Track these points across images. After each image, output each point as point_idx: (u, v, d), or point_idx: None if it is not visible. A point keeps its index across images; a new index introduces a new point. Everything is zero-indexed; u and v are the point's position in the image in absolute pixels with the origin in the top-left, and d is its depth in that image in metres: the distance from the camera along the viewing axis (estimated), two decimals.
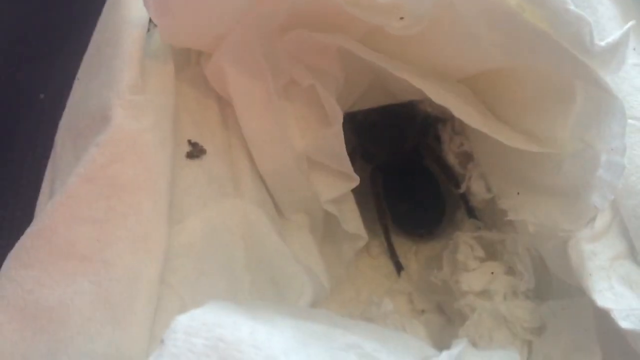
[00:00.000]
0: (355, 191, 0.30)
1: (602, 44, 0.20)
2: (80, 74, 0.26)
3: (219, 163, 0.25)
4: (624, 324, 0.20)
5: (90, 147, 0.21)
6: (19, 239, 0.22)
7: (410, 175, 0.33)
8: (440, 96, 0.24)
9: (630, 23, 0.20)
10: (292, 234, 0.27)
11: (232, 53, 0.24)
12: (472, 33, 0.22)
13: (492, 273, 0.27)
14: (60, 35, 0.41)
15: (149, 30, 0.25)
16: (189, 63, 0.26)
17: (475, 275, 0.27)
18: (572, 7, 0.20)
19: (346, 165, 0.26)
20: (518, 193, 0.26)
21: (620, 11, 0.29)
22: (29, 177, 0.35)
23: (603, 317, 0.21)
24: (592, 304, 0.22)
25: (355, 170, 0.28)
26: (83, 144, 0.22)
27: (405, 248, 0.33)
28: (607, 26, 0.28)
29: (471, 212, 0.31)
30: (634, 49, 0.27)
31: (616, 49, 0.20)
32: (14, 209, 0.33)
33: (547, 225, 0.24)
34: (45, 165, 0.30)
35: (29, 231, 0.21)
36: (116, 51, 0.23)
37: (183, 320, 0.15)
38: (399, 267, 0.32)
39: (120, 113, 0.21)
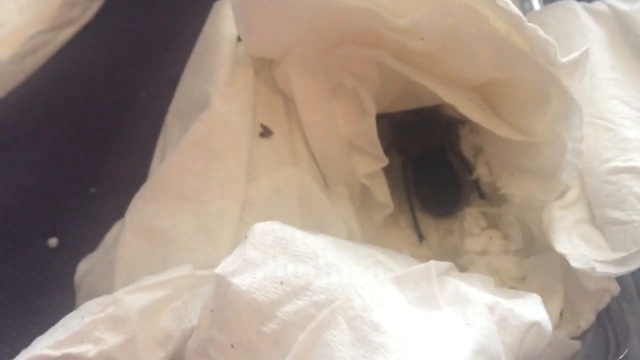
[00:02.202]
0: (390, 177, 0.38)
1: (564, 60, 0.27)
2: (186, 71, 0.35)
3: (282, 142, 0.33)
4: (575, 264, 0.27)
5: (195, 122, 0.30)
6: (129, 195, 0.31)
7: (435, 165, 0.41)
8: (451, 98, 0.32)
9: (586, 47, 0.27)
10: (335, 201, 0.35)
11: (295, 62, 0.32)
12: (473, 51, 0.30)
13: (491, 238, 0.34)
14: (158, 45, 0.51)
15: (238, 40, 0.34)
16: (264, 68, 0.35)
17: (477, 239, 0.34)
18: (541, 33, 0.27)
19: (377, 148, 0.34)
20: (512, 174, 0.33)
21: (606, 35, 0.36)
22: (133, 157, 0.44)
23: (566, 266, 0.28)
24: (558, 257, 0.29)
25: (391, 160, 0.36)
26: (188, 121, 0.31)
27: (427, 223, 0.40)
28: (593, 49, 0.35)
29: (482, 195, 0.38)
30: (612, 67, 0.34)
31: (577, 64, 0.27)
32: (123, 175, 0.42)
33: (528, 197, 0.31)
34: (145, 146, 0.39)
35: (151, 179, 0.30)
36: (215, 56, 0.32)
37: (260, 225, 0.23)
38: (421, 237, 0.39)
39: (217, 99, 0.30)
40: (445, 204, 0.40)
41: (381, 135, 0.36)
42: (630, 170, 0.29)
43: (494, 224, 0.35)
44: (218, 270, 0.22)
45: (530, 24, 0.27)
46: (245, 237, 0.23)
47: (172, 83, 0.45)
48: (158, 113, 0.42)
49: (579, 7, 0.38)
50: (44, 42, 0.47)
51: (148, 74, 0.49)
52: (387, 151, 0.41)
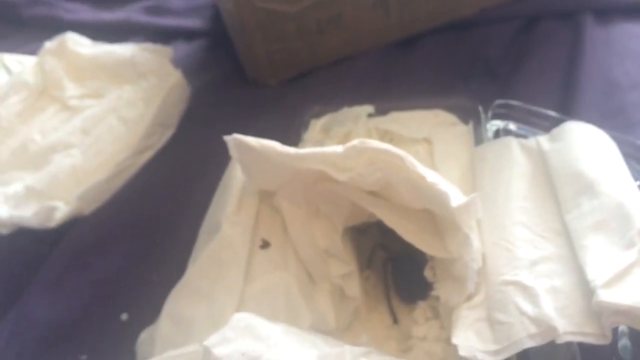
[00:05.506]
0: (375, 271, 0.50)
1: (455, 205, 0.38)
2: (213, 200, 0.50)
3: (277, 252, 0.46)
4: (462, 352, 0.37)
5: (210, 241, 0.44)
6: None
7: (408, 264, 0.52)
8: (392, 224, 0.43)
9: (474, 195, 0.38)
10: (318, 293, 0.47)
11: (285, 195, 0.46)
12: (402, 192, 0.42)
13: (431, 327, 0.45)
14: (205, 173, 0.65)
15: None
16: (268, 195, 0.48)
17: (421, 327, 0.45)
18: (439, 187, 0.39)
19: (345, 256, 0.46)
20: (444, 279, 0.44)
21: (530, 168, 0.47)
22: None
23: None
24: None
25: (375, 257, 0.48)
26: (209, 238, 0.45)
27: (401, 309, 0.51)
28: (514, 180, 0.46)
29: None
30: (525, 197, 0.45)
31: (467, 207, 0.39)
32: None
33: (449, 299, 0.42)
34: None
35: (183, 279, 0.44)
36: (228, 192, 0.46)
37: (237, 315, 0.36)
38: (395, 320, 0.50)
39: (226, 226, 0.44)
40: (414, 295, 0.50)
41: (370, 237, 0.48)
42: (515, 284, 0.39)
43: (437, 314, 0.46)
44: (205, 342, 0.35)
45: (430, 180, 0.39)
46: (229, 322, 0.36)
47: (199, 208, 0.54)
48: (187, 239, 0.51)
49: (514, 144, 0.49)
50: (127, 166, 0.63)
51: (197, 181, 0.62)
52: (374, 250, 0.53)
